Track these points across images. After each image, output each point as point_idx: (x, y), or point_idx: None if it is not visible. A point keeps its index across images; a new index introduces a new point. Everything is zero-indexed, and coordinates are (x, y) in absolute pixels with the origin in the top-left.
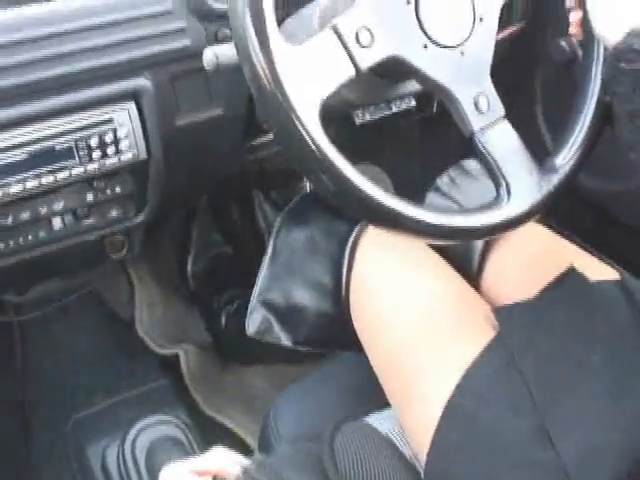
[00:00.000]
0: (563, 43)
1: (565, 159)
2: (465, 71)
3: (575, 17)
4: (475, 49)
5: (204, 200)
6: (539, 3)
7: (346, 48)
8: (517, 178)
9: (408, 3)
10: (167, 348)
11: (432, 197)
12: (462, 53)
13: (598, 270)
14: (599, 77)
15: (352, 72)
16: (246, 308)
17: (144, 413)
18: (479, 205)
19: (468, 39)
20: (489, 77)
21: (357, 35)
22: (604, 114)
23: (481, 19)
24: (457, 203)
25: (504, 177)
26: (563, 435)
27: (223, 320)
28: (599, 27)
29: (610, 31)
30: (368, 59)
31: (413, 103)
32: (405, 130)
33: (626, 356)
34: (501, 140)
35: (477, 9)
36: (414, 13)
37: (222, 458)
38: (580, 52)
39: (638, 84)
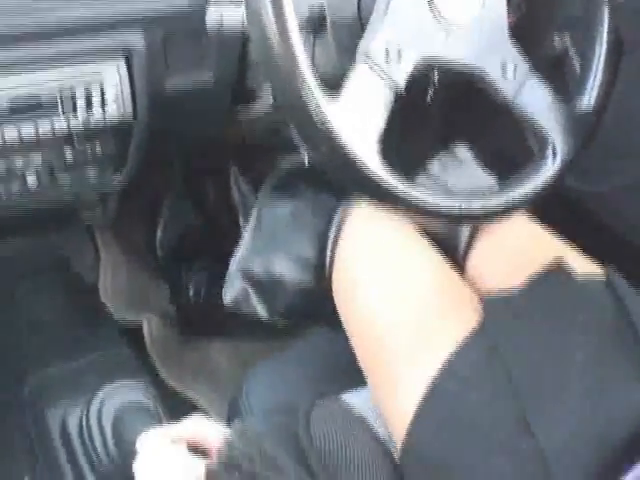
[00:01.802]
0: (557, 41)
1: (590, 99)
2: (486, 42)
3: None
4: (490, 17)
5: (176, 170)
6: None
7: (382, 73)
8: (560, 133)
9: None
10: (130, 316)
11: (421, 180)
12: (481, 25)
13: (584, 266)
14: (604, 12)
15: (392, 94)
16: (215, 281)
17: (107, 379)
18: (520, 175)
19: (482, 10)
20: (509, 40)
21: (387, 53)
22: (616, 48)
23: None
24: (447, 187)
25: (549, 138)
26: (543, 424)
27: (191, 292)
28: None
29: None
30: (402, 73)
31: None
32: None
33: (609, 353)
34: (535, 97)
35: None
36: (428, 6)
37: (201, 427)
38: (572, 49)
39: None
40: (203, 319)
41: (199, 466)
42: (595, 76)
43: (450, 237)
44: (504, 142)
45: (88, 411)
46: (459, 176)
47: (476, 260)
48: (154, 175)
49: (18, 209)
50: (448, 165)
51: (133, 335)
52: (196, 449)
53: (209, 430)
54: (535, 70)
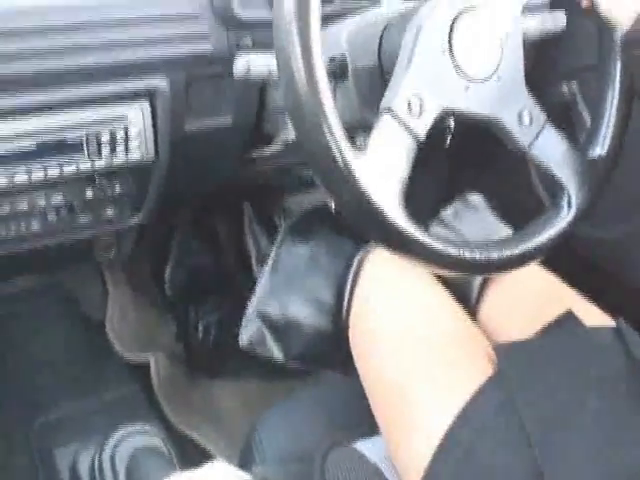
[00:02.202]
0: (564, 87)
1: (604, 147)
2: (504, 94)
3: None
4: (508, 69)
5: (188, 209)
6: (542, 48)
7: (405, 125)
8: (575, 181)
9: (443, 54)
10: (137, 354)
11: (435, 229)
12: (498, 78)
13: (595, 316)
14: (618, 61)
15: (415, 145)
16: (225, 322)
17: (116, 420)
18: (534, 226)
19: (500, 63)
20: (526, 90)
21: (409, 106)
22: (629, 97)
23: (506, 35)
24: (460, 235)
25: (563, 187)
26: (557, 475)
27: (200, 332)
28: (608, 14)
29: (620, 18)
30: (424, 126)
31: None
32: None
33: (621, 403)
34: (551, 146)
35: (500, 30)
36: (450, 61)
37: (222, 472)
38: (579, 97)
39: None
40: (211, 359)
41: None
42: (608, 124)
43: (462, 285)
44: (517, 191)
45: (101, 454)
46: (473, 224)
47: (488, 309)
48: (166, 214)
49: (35, 246)
50: (462, 213)
51: (141, 374)
52: None
53: (230, 476)
54: (552, 123)
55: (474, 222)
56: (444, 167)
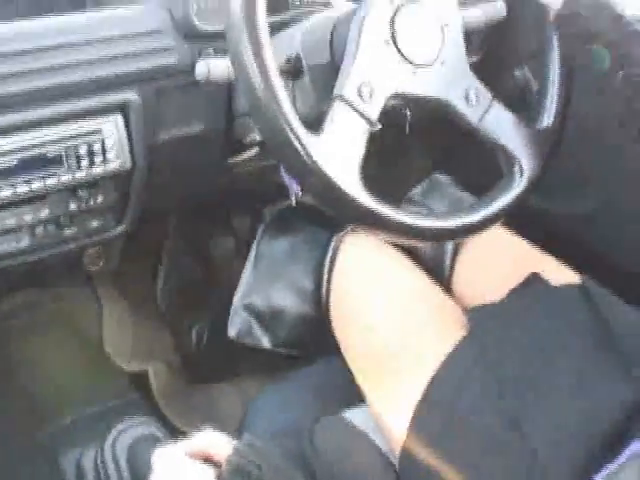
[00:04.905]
0: (518, 73)
1: (550, 118)
2: (449, 77)
3: None
4: (451, 53)
5: (174, 219)
6: (495, 37)
7: (356, 110)
8: (525, 151)
9: (387, 44)
10: (136, 366)
11: (406, 207)
12: (442, 63)
13: (561, 274)
14: (554, 39)
15: (367, 127)
16: (217, 327)
17: (119, 421)
18: (492, 194)
19: (442, 49)
20: (470, 72)
21: (359, 92)
22: (569, 72)
23: (446, 25)
24: (430, 210)
25: (514, 157)
26: (532, 423)
27: (193, 339)
28: None
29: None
30: (375, 109)
31: (379, 126)
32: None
33: (587, 355)
34: (499, 120)
35: (440, 19)
36: (394, 49)
37: (213, 440)
38: (532, 80)
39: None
40: (207, 365)
41: (211, 475)
42: (552, 97)
43: (435, 259)
44: (481, 165)
45: (102, 449)
46: (441, 200)
47: (460, 278)
48: (153, 226)
49: (26, 261)
50: (430, 191)
51: (141, 382)
52: (209, 461)
53: (221, 442)
54: (499, 99)
55: (442, 198)
56: (409, 153)
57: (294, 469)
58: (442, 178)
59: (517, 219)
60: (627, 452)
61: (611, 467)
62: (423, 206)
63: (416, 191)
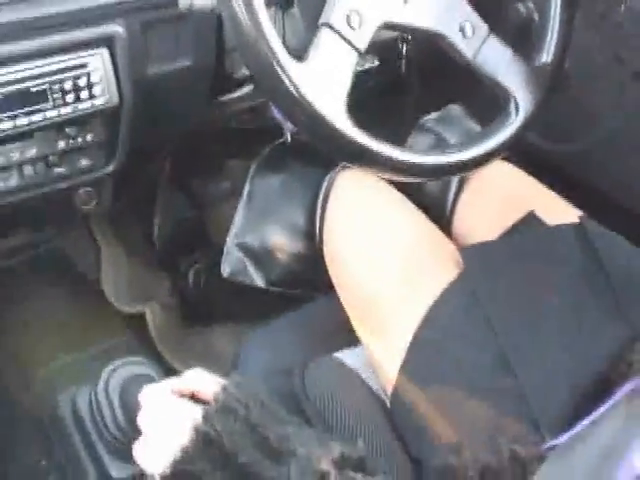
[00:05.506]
0: (520, 6)
1: (549, 54)
2: (444, 8)
3: None
4: None
5: (167, 161)
6: None
7: (344, 38)
8: (521, 87)
9: None
10: (133, 307)
11: (416, 135)
12: None
13: (560, 211)
14: None
15: (355, 55)
16: (213, 268)
17: (113, 360)
18: (488, 130)
19: None
20: (466, 4)
21: (348, 20)
22: (571, 6)
23: None
24: (441, 138)
25: (510, 93)
26: (522, 364)
27: (190, 280)
28: None
29: None
30: (364, 38)
31: (376, 62)
32: (371, 91)
33: (582, 294)
34: (495, 55)
35: None
36: None
37: (201, 378)
38: (536, 15)
39: None
40: (204, 306)
41: (197, 413)
42: (552, 32)
43: (437, 198)
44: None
45: (96, 388)
46: (454, 129)
47: (461, 217)
48: (146, 166)
49: (17, 203)
50: (444, 120)
51: (137, 324)
52: (197, 400)
53: (209, 381)
54: (496, 33)
55: (455, 127)
56: (409, 91)
57: (280, 406)
58: (456, 108)
59: (516, 156)
60: (618, 393)
61: (600, 409)
62: (435, 134)
63: (430, 117)
